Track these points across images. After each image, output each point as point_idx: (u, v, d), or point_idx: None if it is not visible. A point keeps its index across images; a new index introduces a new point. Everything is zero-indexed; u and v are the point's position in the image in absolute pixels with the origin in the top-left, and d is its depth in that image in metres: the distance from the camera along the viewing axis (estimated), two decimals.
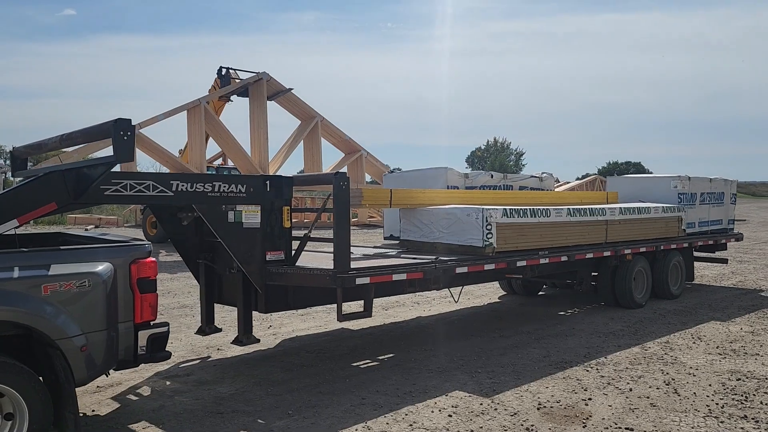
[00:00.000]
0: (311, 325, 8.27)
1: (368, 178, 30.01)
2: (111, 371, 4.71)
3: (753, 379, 5.82)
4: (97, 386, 5.60)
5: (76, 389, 4.13)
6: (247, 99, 23.34)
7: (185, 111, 20.53)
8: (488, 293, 10.74)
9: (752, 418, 4.80)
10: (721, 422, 4.73)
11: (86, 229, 25.95)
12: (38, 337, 4.05)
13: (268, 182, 5.77)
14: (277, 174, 6.01)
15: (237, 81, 23.16)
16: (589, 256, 8.34)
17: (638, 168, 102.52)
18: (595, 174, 47.33)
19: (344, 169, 24.42)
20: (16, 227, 4.75)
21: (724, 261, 11.90)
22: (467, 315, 9.12)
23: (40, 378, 4.08)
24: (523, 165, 77.08)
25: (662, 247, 9.63)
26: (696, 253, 11.41)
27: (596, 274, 9.32)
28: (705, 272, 13.25)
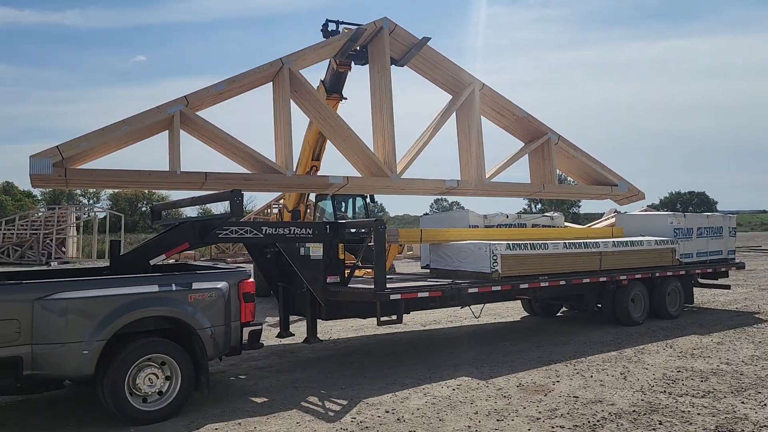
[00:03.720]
0: (362, 334, 10.52)
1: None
2: (223, 359, 7.06)
3: (691, 371, 7.65)
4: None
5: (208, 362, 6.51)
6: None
7: (270, 83, 9.94)
8: (513, 314, 12.72)
9: (668, 393, 6.71)
10: (644, 394, 6.66)
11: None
12: (185, 328, 6.45)
13: (327, 227, 8.13)
14: (335, 221, 8.32)
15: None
16: (586, 281, 10.26)
17: (701, 198, 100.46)
18: (648, 207, 47.77)
19: (525, 160, 12.78)
20: (164, 260, 7.28)
21: (727, 287, 13.42)
22: (488, 330, 11.15)
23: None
24: None
25: (658, 274, 11.39)
26: (701, 280, 13.02)
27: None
28: (720, 298, 14.67)
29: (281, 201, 27.60)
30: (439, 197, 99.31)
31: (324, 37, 11.59)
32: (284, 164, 9.08)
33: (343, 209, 14.93)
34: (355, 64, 11.80)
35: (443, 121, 11.43)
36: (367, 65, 11.43)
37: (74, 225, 33.04)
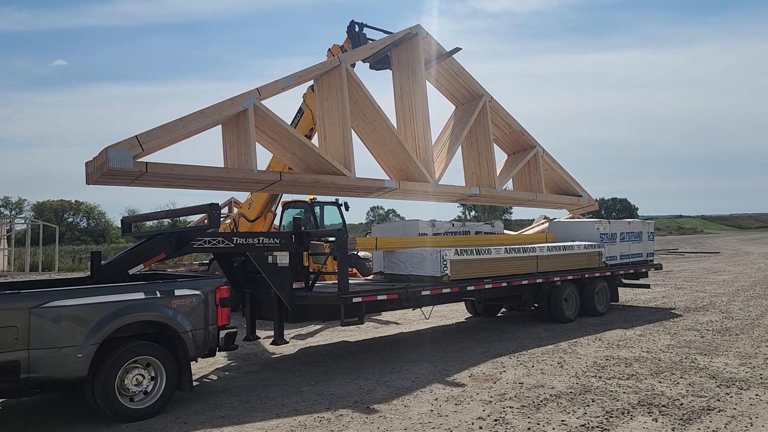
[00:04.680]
0: (320, 339, 11.16)
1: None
2: (198, 361, 7.57)
3: (617, 359, 8.74)
4: None
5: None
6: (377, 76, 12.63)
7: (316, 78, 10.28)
8: (457, 315, 13.65)
9: (599, 377, 7.73)
10: (578, 379, 7.65)
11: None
12: (168, 331, 6.94)
13: (293, 236, 8.77)
14: (299, 231, 8.94)
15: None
16: (525, 282, 11.29)
17: (624, 204, 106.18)
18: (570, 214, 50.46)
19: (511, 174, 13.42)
20: (142, 269, 7.75)
21: (647, 286, 14.85)
22: (437, 330, 12.03)
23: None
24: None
25: (587, 276, 12.59)
26: (625, 281, 14.37)
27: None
28: (641, 296, 16.15)
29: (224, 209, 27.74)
30: (376, 205, 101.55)
31: (350, 37, 12.13)
32: (346, 166, 9.40)
33: (318, 217, 14.98)
34: (371, 68, 12.16)
35: (463, 132, 12.10)
36: (382, 70, 12.02)
37: (5, 237, 31.97)
